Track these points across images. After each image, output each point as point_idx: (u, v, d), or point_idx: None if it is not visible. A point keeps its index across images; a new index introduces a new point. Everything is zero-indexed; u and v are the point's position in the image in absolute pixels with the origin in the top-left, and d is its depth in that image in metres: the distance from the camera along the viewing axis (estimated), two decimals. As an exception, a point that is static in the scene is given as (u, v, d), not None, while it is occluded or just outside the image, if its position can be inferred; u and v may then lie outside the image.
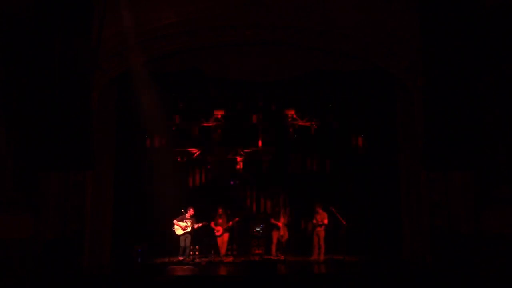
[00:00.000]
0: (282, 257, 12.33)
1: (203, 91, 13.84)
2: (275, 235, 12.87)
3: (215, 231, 12.83)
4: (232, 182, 15.01)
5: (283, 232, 12.75)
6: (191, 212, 12.64)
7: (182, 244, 12.47)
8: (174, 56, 11.83)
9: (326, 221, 12.50)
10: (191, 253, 12.52)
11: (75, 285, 9.50)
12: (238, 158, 15.08)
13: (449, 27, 9.13)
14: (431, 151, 9.15)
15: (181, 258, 12.29)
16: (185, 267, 11.49)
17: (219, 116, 14.94)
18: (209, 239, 13.16)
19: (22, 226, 10.32)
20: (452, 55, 9.11)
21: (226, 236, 12.92)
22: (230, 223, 12.91)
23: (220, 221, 12.91)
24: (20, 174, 10.54)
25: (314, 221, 12.59)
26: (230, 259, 12.45)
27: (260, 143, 15.08)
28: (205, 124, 15.04)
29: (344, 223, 12.42)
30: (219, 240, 12.88)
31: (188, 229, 12.41)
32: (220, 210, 13.05)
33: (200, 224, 12.55)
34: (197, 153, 15.19)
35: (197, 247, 12.86)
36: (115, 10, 10.47)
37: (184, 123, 15.03)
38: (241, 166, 15.08)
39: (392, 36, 11.21)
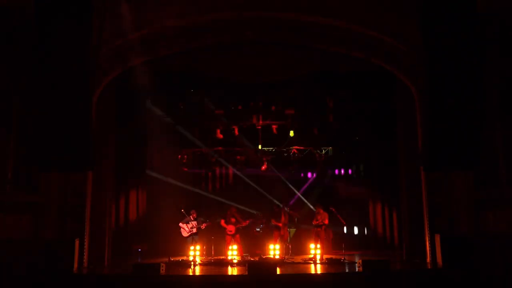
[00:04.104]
0: (282, 257, 12.31)
1: (203, 91, 13.82)
2: (275, 235, 12.86)
3: (227, 230, 12.72)
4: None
5: (284, 232, 12.74)
6: (194, 214, 12.61)
7: (189, 245, 12.43)
8: (174, 56, 11.83)
9: (326, 221, 12.50)
10: (192, 253, 12.48)
11: (75, 285, 9.49)
12: (238, 158, 15.10)
13: (450, 27, 9.12)
14: (430, 151, 9.13)
15: (181, 258, 12.27)
16: (186, 267, 11.47)
17: (219, 116, 14.95)
18: (209, 239, 13.14)
19: (22, 226, 10.34)
20: (452, 56, 9.10)
21: (238, 236, 12.79)
22: (244, 223, 12.79)
23: (233, 220, 12.78)
24: (20, 174, 10.55)
25: (315, 221, 12.58)
26: (231, 259, 12.43)
27: (260, 143, 15.08)
28: (205, 124, 15.04)
29: (344, 223, 12.44)
30: (228, 238, 12.75)
31: (194, 230, 12.40)
32: (233, 210, 12.98)
33: (205, 225, 12.53)
34: (197, 153, 15.21)
35: (198, 247, 12.84)
36: (115, 9, 10.47)
37: (185, 123, 15.03)
38: (242, 166, 15.09)
39: (393, 36, 11.21)
